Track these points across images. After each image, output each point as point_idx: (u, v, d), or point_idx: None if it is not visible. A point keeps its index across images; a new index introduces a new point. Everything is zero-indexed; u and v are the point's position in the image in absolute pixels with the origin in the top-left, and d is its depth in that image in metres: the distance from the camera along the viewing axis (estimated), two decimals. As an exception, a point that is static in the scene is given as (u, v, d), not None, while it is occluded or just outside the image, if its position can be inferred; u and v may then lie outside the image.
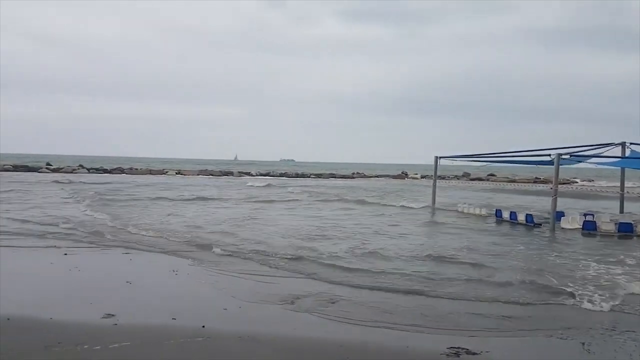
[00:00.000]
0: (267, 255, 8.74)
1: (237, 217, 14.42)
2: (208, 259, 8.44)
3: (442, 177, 31.64)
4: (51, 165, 47.54)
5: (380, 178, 48.84)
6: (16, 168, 43.80)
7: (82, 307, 5.41)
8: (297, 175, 49.00)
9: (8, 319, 4.82)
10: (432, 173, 19.50)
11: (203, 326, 4.88)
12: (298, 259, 8.46)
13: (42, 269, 7.47)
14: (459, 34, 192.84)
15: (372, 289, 6.61)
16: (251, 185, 31.51)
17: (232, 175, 46.06)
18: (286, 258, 8.47)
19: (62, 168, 45.09)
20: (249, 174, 48.05)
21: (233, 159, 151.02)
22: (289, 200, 21.45)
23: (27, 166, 45.64)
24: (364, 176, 50.97)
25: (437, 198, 18.71)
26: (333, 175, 50.28)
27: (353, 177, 49.58)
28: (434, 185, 18.79)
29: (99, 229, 11.39)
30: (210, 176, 44.05)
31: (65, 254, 8.33)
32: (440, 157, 18.64)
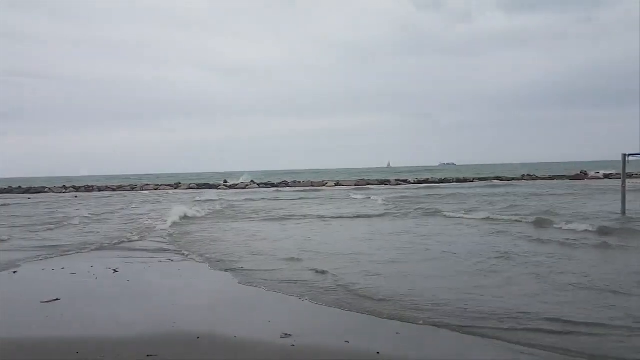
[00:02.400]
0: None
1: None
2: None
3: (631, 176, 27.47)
4: (228, 182, 52.40)
5: (553, 180, 44.63)
6: (199, 186, 49.23)
7: (261, 325, 5.57)
8: (459, 180, 47.11)
9: (198, 338, 5.14)
10: (616, 171, 16.88)
11: (378, 352, 4.67)
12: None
13: (216, 284, 7.86)
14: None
15: None
16: (431, 195, 29.32)
17: (390, 183, 45.93)
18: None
19: (237, 184, 49.40)
20: (406, 181, 47.51)
21: (386, 166, 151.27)
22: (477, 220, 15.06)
23: (208, 184, 51.06)
24: (535, 178, 47.03)
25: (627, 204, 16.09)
26: (499, 179, 47.30)
27: (521, 180, 46.07)
28: (623, 188, 16.17)
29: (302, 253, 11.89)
30: (368, 185, 44.47)
31: (242, 267, 8.76)
32: (629, 155, 16.07)
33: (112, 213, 21.86)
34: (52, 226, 16.43)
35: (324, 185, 45.71)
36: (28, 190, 49.29)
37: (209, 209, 21.94)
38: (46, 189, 49.79)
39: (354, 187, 43.44)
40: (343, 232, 13.85)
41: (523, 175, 49.48)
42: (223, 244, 11.82)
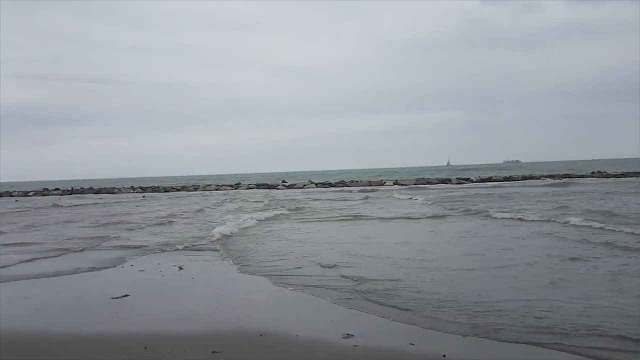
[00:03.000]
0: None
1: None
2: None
3: None
4: (286, 182, 53.04)
5: (626, 177, 42.01)
6: (258, 186, 50.14)
7: (322, 325, 5.51)
8: (524, 178, 45.34)
9: (260, 335, 5.15)
10: None
11: (444, 355, 4.49)
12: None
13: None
14: None
15: None
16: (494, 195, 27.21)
17: (451, 182, 44.86)
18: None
19: (295, 184, 49.91)
20: (468, 180, 46.24)
21: (445, 164, 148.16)
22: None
23: (266, 184, 51.92)
24: (606, 175, 44.46)
25: None
26: (567, 176, 45.10)
27: (591, 177, 43.72)
28: None
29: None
30: (427, 185, 43.63)
31: (300, 267, 8.75)
32: None
33: (197, 212, 22.43)
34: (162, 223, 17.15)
35: (382, 185, 45.30)
36: (99, 191, 52.02)
37: (285, 208, 22.15)
38: (116, 190, 52.36)
39: (413, 185, 42.75)
40: (405, 234, 13.62)
41: (592, 173, 46.93)
42: (280, 244, 11.88)
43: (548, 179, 42.73)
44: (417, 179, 47.79)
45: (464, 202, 22.31)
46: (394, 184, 45.45)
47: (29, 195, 49.27)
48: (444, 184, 43.56)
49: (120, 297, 6.92)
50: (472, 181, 45.21)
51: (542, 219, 14.16)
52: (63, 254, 11.18)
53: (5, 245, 12.70)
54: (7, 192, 52.76)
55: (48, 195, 50.11)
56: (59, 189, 56.24)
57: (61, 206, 30.41)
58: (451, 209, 18.70)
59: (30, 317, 6.12)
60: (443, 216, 16.73)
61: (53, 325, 5.72)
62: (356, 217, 17.37)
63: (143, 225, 16.61)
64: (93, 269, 9.31)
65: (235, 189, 49.15)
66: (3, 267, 9.61)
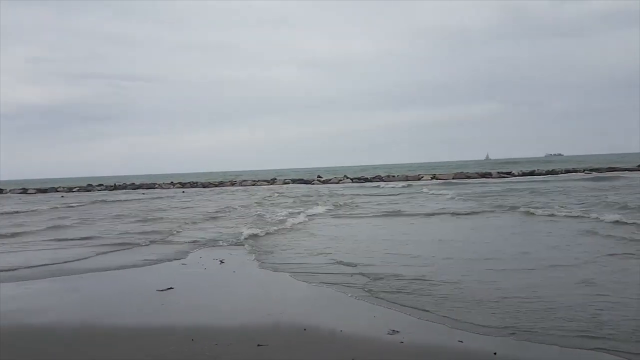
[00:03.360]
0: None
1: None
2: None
3: None
4: (321, 177, 53.08)
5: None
6: (294, 182, 50.39)
7: (366, 321, 5.44)
8: (568, 171, 43.94)
9: (304, 330, 5.12)
10: None
11: (495, 353, 4.35)
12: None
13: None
14: None
15: None
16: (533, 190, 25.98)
17: (491, 176, 43.89)
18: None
19: (330, 179, 49.90)
20: (509, 173, 45.14)
21: (484, 158, 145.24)
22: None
23: (302, 179, 52.13)
24: (654, 168, 42.55)
25: None
26: (613, 169, 43.36)
27: (638, 170, 41.93)
28: None
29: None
30: (467, 179, 42.81)
31: (342, 264, 8.68)
32: None
33: (244, 207, 22.65)
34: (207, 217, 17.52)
35: (419, 179, 44.73)
36: (140, 187, 53.37)
37: (330, 203, 22.16)
38: (156, 185, 53.60)
39: (452, 180, 42.03)
40: (447, 231, 13.40)
41: (639, 166, 45.00)
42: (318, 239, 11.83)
43: (593, 173, 41.23)
44: (456, 173, 46.89)
45: (505, 197, 21.72)
46: (432, 178, 44.77)
47: (73, 191, 50.96)
48: (484, 178, 42.61)
49: (165, 290, 7.04)
50: (513, 175, 44.08)
51: (586, 215, 13.59)
52: (127, 248, 11.43)
53: (71, 239, 13.02)
54: (53, 187, 54.74)
55: (92, 190, 51.75)
56: (102, 184, 58.01)
57: (108, 201, 31.25)
58: (493, 205, 18.19)
59: (79, 309, 6.30)
60: (484, 212, 16.32)
61: (102, 317, 5.86)
62: (397, 213, 17.13)
63: (196, 221, 16.85)
64: (149, 261, 9.52)
65: (271, 184, 49.51)
66: (78, 259, 9.97)
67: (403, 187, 35.25)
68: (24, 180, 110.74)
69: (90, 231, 14.74)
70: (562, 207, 15.79)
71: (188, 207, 23.44)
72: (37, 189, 53.44)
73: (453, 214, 15.96)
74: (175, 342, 4.83)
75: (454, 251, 9.36)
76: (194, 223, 16.18)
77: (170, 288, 7.12)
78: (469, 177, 43.90)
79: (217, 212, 20.07)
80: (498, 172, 45.95)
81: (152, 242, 12.17)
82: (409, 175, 48.05)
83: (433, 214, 16.12)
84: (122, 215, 20.32)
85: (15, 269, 9.02)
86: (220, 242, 11.74)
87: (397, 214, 16.93)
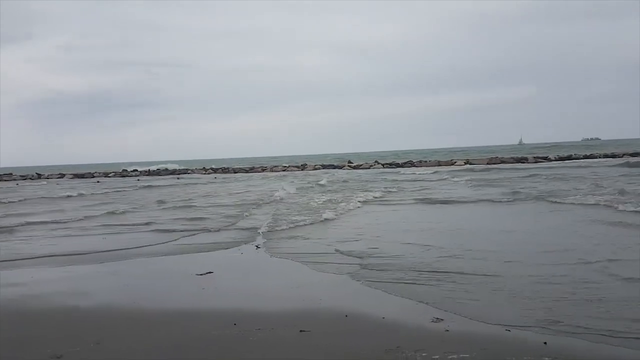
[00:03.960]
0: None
1: None
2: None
3: None
4: (352, 163, 52.89)
5: None
6: (325, 167, 50.37)
7: (409, 308, 5.35)
8: (606, 156, 42.59)
9: (346, 316, 5.07)
10: None
11: (545, 343, 4.21)
12: None
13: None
14: None
15: None
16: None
17: (527, 161, 42.86)
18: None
19: (361, 165, 49.66)
20: (546, 158, 44.02)
21: (517, 143, 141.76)
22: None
23: (333, 165, 52.08)
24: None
25: None
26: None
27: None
28: None
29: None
30: (502, 164, 41.91)
31: (384, 250, 8.58)
32: None
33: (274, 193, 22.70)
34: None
35: (452, 164, 44.06)
36: (173, 172, 54.24)
37: (381, 189, 21.82)
38: (189, 171, 54.39)
39: (486, 165, 41.21)
40: (489, 219, 13.14)
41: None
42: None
43: (634, 157, 39.78)
44: (490, 158, 45.96)
45: (548, 182, 21.12)
46: (465, 163, 43.99)
47: (109, 176, 52.14)
48: (520, 164, 41.53)
49: (204, 274, 7.09)
50: (550, 160, 42.97)
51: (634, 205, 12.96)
52: (197, 233, 11.32)
53: (126, 225, 13.02)
54: (89, 173, 56.11)
55: (127, 176, 52.82)
56: (136, 170, 59.17)
57: (151, 187, 31.49)
58: (532, 194, 17.54)
59: (125, 292, 6.42)
60: (525, 200, 15.75)
61: (145, 300, 5.94)
62: (435, 200, 16.43)
63: (230, 206, 16.87)
64: (205, 246, 9.64)
65: (302, 169, 49.57)
66: (138, 247, 10.15)
67: (435, 172, 34.63)
68: (55, 166, 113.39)
69: (144, 217, 14.55)
70: (612, 194, 15.16)
71: (234, 193, 22.91)
72: (73, 174, 54.92)
73: (492, 201, 15.52)
74: (218, 325, 4.84)
75: (498, 241, 9.11)
76: (257, 206, 16.30)
77: (210, 272, 7.17)
78: (503, 162, 42.96)
79: (258, 199, 19.57)
80: (534, 157, 44.83)
81: (204, 228, 11.91)
82: (441, 161, 47.35)
83: (471, 201, 15.72)
84: (166, 201, 20.04)
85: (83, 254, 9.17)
86: (259, 229, 11.79)
87: (436, 201, 16.37)
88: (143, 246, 9.71)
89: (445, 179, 27.30)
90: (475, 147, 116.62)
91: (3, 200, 22.37)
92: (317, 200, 17.37)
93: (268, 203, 17.57)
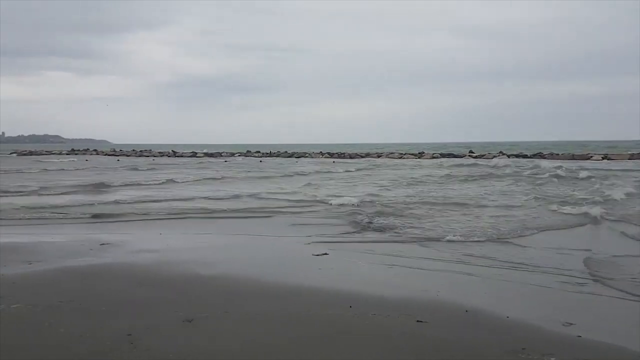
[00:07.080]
0: None
1: None
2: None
3: None
4: (473, 152, 50.70)
5: None
6: (443, 155, 48.93)
7: (537, 308, 4.98)
8: None
9: (466, 311, 4.85)
10: None
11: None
12: None
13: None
14: None
15: None
16: None
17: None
18: None
19: (483, 155, 47.44)
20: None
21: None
22: None
23: (452, 154, 50.38)
24: None
25: None
26: None
27: None
28: None
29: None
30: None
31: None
32: None
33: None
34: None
35: (588, 159, 40.22)
36: (292, 155, 56.14)
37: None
38: (307, 154, 55.94)
39: (630, 160, 37.02)
40: None
41: None
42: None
43: None
44: (632, 153, 41.27)
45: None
46: (603, 158, 39.92)
47: (235, 156, 55.41)
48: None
49: (320, 255, 7.24)
50: None
51: None
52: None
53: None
54: (218, 152, 60.16)
55: (251, 156, 55.79)
56: (259, 151, 62.25)
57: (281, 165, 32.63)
58: None
59: (244, 265, 6.78)
60: None
61: (264, 275, 6.20)
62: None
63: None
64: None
65: (419, 158, 48.53)
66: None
67: (579, 168, 28.74)
68: (175, 144, 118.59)
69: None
70: None
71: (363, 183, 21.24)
72: (204, 153, 59.19)
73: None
74: (335, 305, 4.90)
75: None
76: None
77: (325, 254, 7.30)
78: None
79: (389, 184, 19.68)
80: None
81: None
82: (576, 154, 43.52)
83: None
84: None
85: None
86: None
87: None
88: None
89: (590, 176, 21.79)
90: (603, 140, 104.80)
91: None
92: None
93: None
